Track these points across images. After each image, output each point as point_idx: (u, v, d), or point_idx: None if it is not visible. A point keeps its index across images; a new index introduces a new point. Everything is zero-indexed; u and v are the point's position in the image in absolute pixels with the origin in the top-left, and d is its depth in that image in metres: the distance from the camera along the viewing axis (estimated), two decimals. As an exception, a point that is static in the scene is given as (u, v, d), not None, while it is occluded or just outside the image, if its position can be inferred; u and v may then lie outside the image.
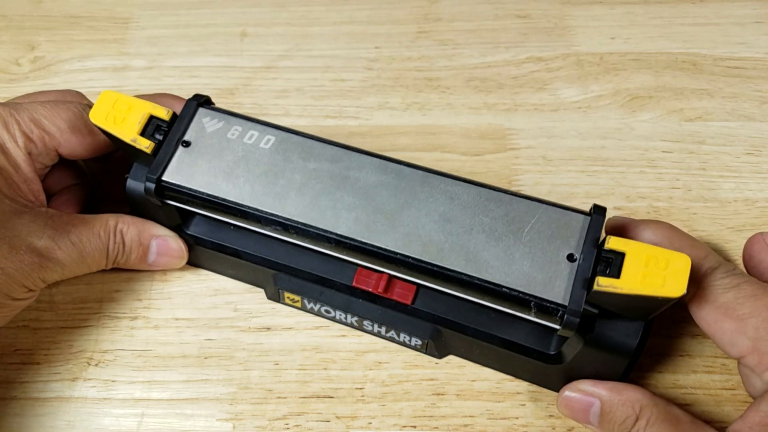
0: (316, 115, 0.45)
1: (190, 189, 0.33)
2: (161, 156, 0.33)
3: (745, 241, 0.34)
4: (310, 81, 0.47)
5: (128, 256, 0.35)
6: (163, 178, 0.33)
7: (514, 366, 0.34)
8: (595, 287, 0.27)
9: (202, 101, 0.35)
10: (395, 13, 0.51)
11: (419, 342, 0.34)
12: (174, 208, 0.35)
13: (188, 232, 0.36)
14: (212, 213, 0.34)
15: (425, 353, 0.35)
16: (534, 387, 0.34)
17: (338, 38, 0.50)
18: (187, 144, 0.33)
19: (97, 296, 0.37)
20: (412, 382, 0.35)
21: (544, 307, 0.29)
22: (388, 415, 0.34)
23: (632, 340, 0.29)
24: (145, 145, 0.33)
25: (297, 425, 0.33)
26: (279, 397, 0.34)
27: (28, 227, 0.31)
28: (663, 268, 0.27)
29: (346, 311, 0.35)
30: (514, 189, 0.36)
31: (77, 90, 0.38)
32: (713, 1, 0.51)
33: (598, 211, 0.30)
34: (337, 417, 0.34)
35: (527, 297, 0.29)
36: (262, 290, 0.37)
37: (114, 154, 0.38)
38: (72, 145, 0.34)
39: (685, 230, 0.33)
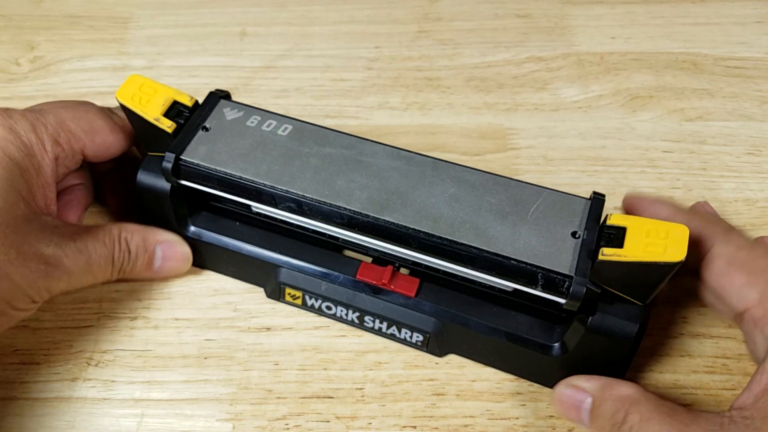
0: (316, 114, 0.45)
1: (207, 167, 0.33)
2: (181, 137, 0.34)
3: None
4: (310, 81, 0.47)
5: (134, 263, 0.35)
6: (182, 157, 0.33)
7: (515, 361, 0.34)
8: (600, 257, 0.28)
9: (223, 95, 0.36)
10: (395, 12, 0.51)
11: (420, 338, 0.34)
12: (184, 197, 0.35)
13: (190, 232, 0.37)
14: (227, 193, 0.34)
15: (426, 351, 0.35)
16: (534, 387, 0.34)
17: (338, 38, 0.50)
18: (206, 129, 0.34)
19: (97, 296, 0.37)
20: (412, 383, 0.35)
21: (551, 279, 0.30)
22: (388, 415, 0.34)
23: (633, 323, 0.30)
24: (167, 124, 0.33)
25: (297, 425, 0.33)
26: (279, 398, 0.34)
27: (37, 234, 0.31)
28: (663, 237, 0.28)
29: (348, 306, 0.35)
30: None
31: (76, 89, 0.38)
32: (714, 1, 0.51)
33: (599, 195, 0.32)
34: (337, 417, 0.34)
35: (535, 269, 0.30)
36: (261, 290, 0.37)
37: (121, 159, 0.38)
38: (97, 145, 0.35)
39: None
